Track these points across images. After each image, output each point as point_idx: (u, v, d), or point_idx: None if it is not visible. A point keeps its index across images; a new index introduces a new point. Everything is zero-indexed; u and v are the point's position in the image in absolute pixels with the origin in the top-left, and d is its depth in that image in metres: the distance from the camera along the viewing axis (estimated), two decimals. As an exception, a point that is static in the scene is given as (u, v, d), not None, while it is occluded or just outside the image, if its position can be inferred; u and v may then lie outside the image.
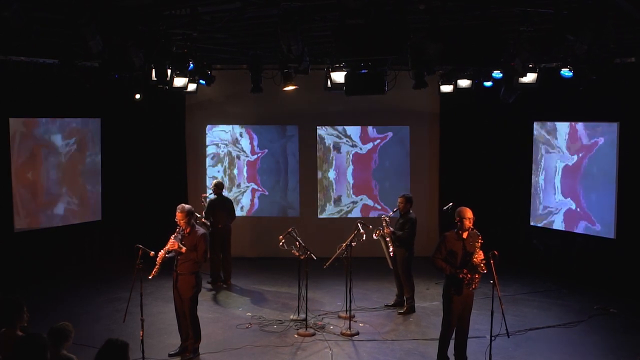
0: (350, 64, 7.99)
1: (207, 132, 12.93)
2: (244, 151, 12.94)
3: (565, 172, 11.43)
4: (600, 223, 10.77)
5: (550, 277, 11.21)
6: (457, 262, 7.05)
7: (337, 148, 12.93)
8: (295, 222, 10.90)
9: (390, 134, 12.87)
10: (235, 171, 12.98)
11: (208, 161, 12.98)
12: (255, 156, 12.97)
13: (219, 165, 12.98)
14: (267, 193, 12.97)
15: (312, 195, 12.96)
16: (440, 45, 6.10)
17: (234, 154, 12.95)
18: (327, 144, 12.95)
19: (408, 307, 9.37)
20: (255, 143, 12.95)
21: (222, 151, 12.98)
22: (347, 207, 12.99)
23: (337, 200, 12.99)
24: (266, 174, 13.00)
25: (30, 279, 10.63)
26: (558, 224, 11.53)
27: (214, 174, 12.91)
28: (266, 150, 12.93)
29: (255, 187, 13.00)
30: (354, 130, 12.94)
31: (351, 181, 12.99)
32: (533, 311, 9.50)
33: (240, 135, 12.94)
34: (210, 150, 12.97)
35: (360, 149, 12.93)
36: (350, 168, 12.98)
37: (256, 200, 13.00)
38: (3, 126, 10.65)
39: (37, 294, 9.98)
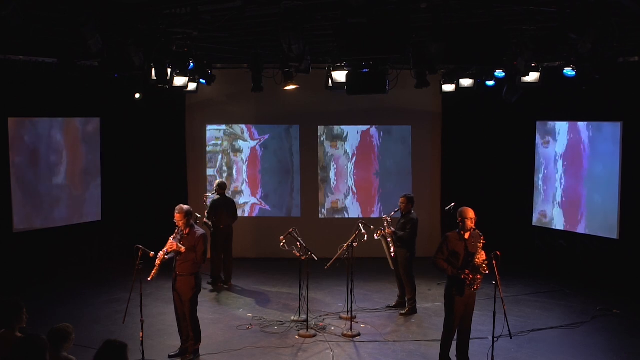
0: (352, 63, 7.95)
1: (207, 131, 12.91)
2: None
3: (567, 172, 11.38)
4: (603, 223, 10.72)
5: (552, 278, 11.15)
6: (459, 263, 6.99)
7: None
8: (296, 222, 10.84)
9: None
10: (234, 173, 12.92)
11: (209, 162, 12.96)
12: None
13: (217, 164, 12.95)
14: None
15: (313, 195, 12.91)
16: (443, 45, 6.05)
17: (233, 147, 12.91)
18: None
19: (410, 308, 9.32)
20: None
21: (218, 148, 12.93)
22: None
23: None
24: (268, 174, 12.94)
25: (29, 280, 10.58)
26: (560, 224, 11.48)
27: (212, 174, 12.87)
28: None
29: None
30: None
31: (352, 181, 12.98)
32: (536, 312, 9.44)
33: (241, 132, 12.89)
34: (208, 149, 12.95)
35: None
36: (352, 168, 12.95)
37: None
38: (2, 126, 10.59)
39: (37, 295, 9.94)
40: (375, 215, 12.59)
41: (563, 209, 11.46)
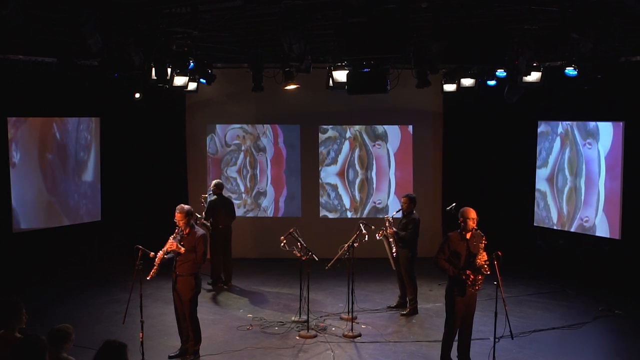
0: (352, 62, 7.92)
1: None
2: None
3: (569, 171, 11.34)
4: (605, 223, 10.68)
5: (554, 278, 11.10)
6: (461, 263, 6.97)
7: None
8: (297, 222, 10.81)
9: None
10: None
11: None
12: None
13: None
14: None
15: (314, 195, 12.87)
16: (443, 44, 6.03)
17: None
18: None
19: (411, 309, 9.29)
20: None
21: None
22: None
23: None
24: (269, 174, 12.92)
25: (29, 280, 10.55)
26: (562, 225, 11.45)
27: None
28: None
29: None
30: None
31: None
32: (537, 312, 9.41)
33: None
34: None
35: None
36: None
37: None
38: (1, 125, 10.58)
39: (37, 295, 9.91)
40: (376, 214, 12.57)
41: (564, 209, 11.43)
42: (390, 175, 12.87)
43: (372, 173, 12.87)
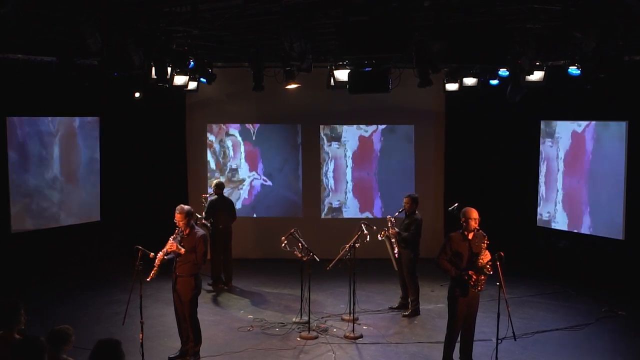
0: (354, 61, 7.88)
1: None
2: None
3: (572, 171, 11.29)
4: (608, 224, 10.63)
5: (557, 279, 11.06)
6: (463, 264, 6.93)
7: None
8: (298, 222, 10.75)
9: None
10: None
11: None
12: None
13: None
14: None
15: (315, 195, 12.83)
16: (445, 44, 6.00)
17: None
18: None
19: (412, 310, 9.25)
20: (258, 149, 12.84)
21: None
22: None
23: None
24: (270, 173, 12.88)
25: (28, 281, 10.52)
26: (564, 225, 11.40)
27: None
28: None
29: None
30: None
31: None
32: (540, 313, 9.36)
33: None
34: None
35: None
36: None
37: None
38: (0, 125, 10.54)
39: (36, 296, 9.88)
40: (377, 215, 12.52)
41: (567, 210, 11.38)
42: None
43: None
